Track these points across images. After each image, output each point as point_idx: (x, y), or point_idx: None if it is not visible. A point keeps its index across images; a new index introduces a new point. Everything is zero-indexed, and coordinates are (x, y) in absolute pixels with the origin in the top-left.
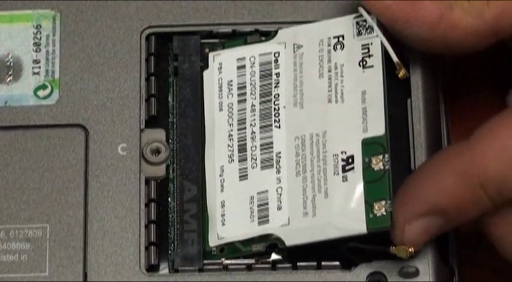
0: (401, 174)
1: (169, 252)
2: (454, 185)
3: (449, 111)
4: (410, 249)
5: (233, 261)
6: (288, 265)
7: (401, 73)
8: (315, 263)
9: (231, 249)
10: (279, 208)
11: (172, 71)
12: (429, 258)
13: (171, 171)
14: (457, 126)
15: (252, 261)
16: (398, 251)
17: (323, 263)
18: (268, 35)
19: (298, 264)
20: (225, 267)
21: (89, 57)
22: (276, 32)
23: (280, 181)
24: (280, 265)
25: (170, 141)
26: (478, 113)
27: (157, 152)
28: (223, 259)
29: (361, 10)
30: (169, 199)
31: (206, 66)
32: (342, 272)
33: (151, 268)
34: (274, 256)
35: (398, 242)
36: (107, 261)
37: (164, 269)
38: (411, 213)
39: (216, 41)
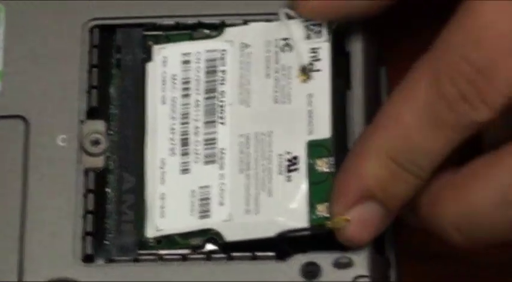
0: None
1: (106, 242)
2: (370, 165)
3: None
4: (347, 217)
5: (168, 252)
6: (223, 256)
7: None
8: (249, 254)
9: (169, 241)
10: (221, 204)
11: (115, 63)
12: (363, 249)
13: (111, 162)
14: None
15: (187, 251)
16: (334, 224)
17: (258, 254)
18: (212, 28)
19: (233, 254)
20: (161, 258)
21: (33, 49)
22: (222, 30)
23: (223, 177)
24: (215, 256)
25: (111, 132)
26: None
27: (96, 143)
28: (158, 249)
29: (281, 14)
30: (108, 190)
31: (149, 58)
32: (277, 263)
33: (87, 258)
34: (209, 247)
35: (343, 240)
36: (43, 251)
37: (100, 259)
38: (342, 205)
39: (160, 33)
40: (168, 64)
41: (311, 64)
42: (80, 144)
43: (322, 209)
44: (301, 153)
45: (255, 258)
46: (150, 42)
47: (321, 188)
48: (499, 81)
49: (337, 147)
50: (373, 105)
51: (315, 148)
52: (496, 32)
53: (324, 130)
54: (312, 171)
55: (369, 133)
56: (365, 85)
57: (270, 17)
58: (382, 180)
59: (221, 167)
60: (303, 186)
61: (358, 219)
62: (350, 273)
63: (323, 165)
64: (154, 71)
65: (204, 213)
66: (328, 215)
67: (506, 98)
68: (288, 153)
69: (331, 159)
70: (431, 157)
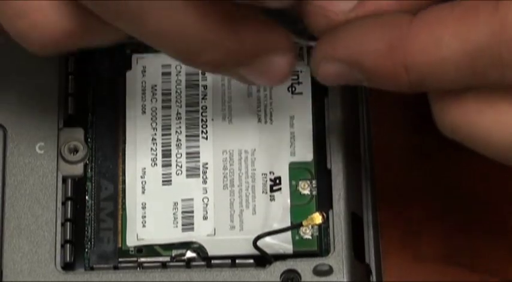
0: None
1: (86, 250)
2: (380, 52)
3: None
4: (324, 214)
5: (148, 259)
6: (203, 263)
7: None
8: (229, 261)
9: (150, 251)
10: (205, 218)
11: (92, 70)
12: (343, 256)
13: (89, 170)
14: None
15: (167, 259)
16: (313, 220)
17: (237, 261)
18: None
19: (212, 262)
20: (140, 265)
21: (9, 56)
22: None
23: (206, 191)
24: (194, 263)
25: (89, 140)
26: None
27: (75, 150)
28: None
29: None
30: (86, 197)
31: (128, 67)
32: (256, 270)
33: (67, 266)
34: (189, 254)
35: (313, 73)
36: (22, 259)
37: (80, 267)
38: (330, 55)
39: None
40: (147, 74)
41: (293, 87)
42: (59, 152)
43: (305, 231)
44: (284, 173)
45: (234, 265)
46: (128, 50)
47: (303, 210)
48: None
49: (319, 170)
50: (352, 128)
51: (297, 170)
52: None
53: (306, 153)
54: (294, 192)
55: (399, 24)
56: (343, 108)
57: None
58: (381, 71)
59: (204, 181)
60: (286, 207)
61: (335, 73)
62: (330, 280)
63: (306, 188)
64: (133, 79)
65: (188, 226)
66: (310, 238)
67: None
68: (271, 173)
69: (314, 183)
70: None
